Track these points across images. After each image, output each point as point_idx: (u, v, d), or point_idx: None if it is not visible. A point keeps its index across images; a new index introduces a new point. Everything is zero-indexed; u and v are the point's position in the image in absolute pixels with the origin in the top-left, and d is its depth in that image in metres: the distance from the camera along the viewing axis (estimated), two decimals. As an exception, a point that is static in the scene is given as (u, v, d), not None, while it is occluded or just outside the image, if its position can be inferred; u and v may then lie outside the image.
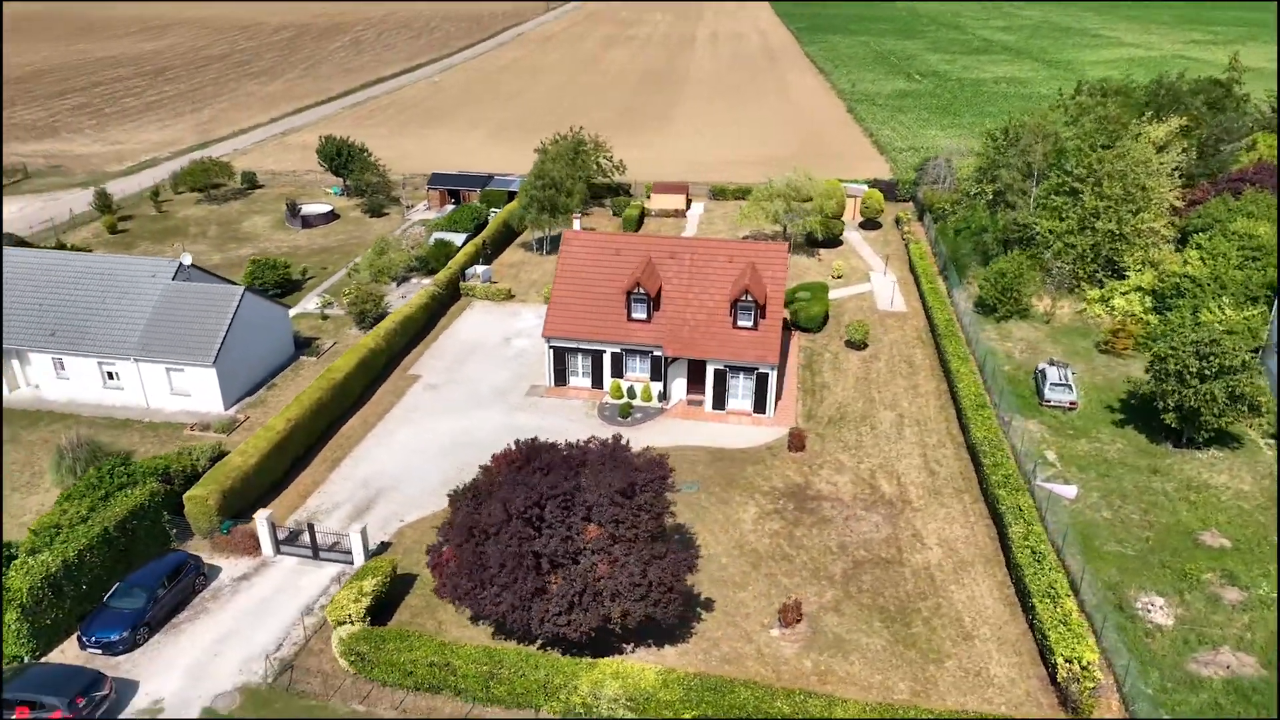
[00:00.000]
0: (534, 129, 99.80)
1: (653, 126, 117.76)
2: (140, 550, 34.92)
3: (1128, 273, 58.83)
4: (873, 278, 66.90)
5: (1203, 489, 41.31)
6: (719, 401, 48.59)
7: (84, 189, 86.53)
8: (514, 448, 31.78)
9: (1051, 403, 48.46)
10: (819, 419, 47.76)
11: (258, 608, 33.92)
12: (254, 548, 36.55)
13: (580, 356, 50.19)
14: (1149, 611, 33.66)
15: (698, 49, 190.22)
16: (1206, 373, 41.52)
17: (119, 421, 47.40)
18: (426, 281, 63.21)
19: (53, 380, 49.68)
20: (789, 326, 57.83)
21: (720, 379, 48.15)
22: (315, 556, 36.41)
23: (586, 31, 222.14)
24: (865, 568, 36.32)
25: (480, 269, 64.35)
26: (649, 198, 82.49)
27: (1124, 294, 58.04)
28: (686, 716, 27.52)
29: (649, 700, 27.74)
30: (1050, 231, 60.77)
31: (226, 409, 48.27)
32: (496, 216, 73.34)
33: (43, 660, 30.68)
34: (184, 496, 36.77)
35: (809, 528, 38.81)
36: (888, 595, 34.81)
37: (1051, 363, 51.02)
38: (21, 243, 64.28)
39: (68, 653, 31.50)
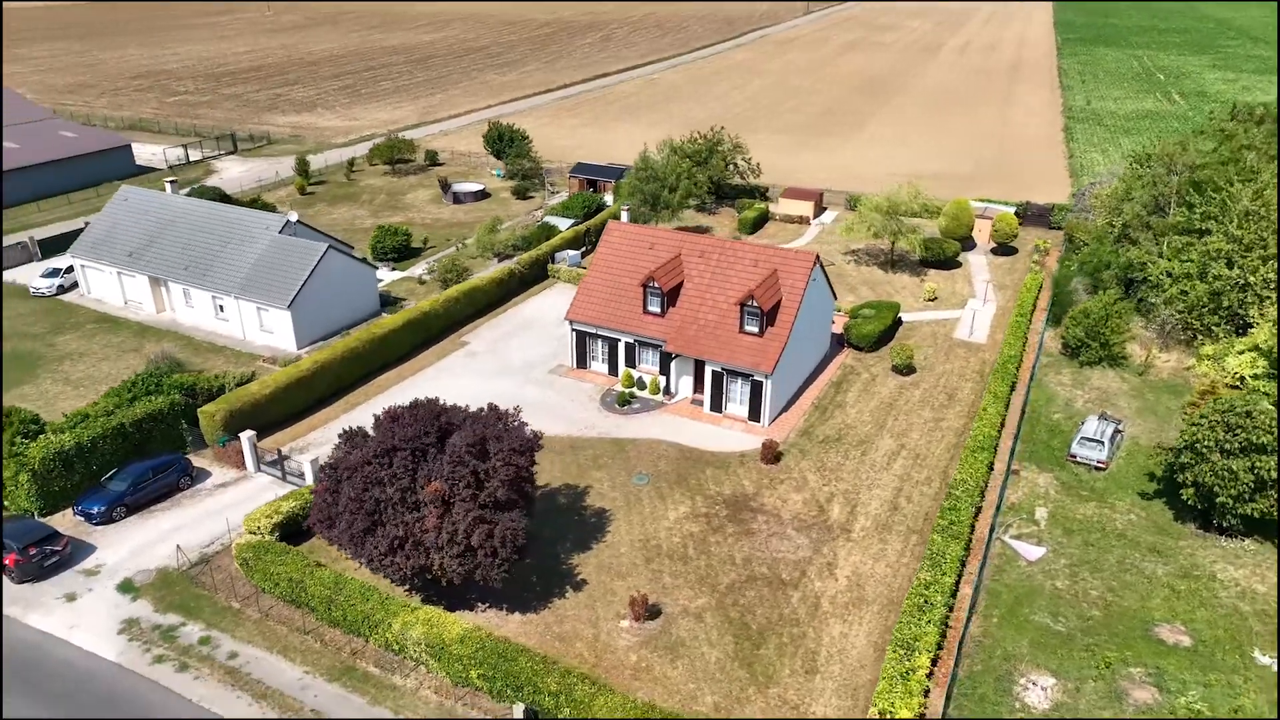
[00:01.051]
0: (708, 128, 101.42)
1: (841, 133, 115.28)
2: (155, 447, 42.01)
3: (1253, 328, 50.54)
4: (969, 305, 62.32)
5: (1200, 579, 35.61)
6: (716, 404, 48.49)
7: (309, 156, 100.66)
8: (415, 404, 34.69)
9: (1078, 458, 43.44)
10: (814, 436, 46.25)
11: (218, 510, 39.70)
12: (241, 463, 42.56)
13: (600, 342, 52.09)
14: (1026, 690, 30.14)
15: (939, 58, 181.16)
16: (1228, 446, 35.59)
17: (218, 347, 56.16)
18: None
19: (183, 307, 59.69)
20: (843, 343, 55.90)
21: (718, 381, 48.06)
22: (284, 478, 41.74)
23: (832, 35, 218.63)
24: (755, 584, 35.44)
25: (570, 254, 67.81)
26: (777, 202, 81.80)
27: (1240, 353, 49.96)
28: (474, 673, 29.20)
29: (443, 650, 29.71)
30: (1166, 274, 53.52)
31: (298, 349, 55.48)
32: (610, 208, 76.37)
33: (32, 518, 38.04)
34: (198, 410, 43.55)
35: (727, 536, 38.32)
36: (759, 614, 33.86)
37: (1103, 416, 45.54)
38: (210, 192, 76.84)
39: (67, 517, 38.99)
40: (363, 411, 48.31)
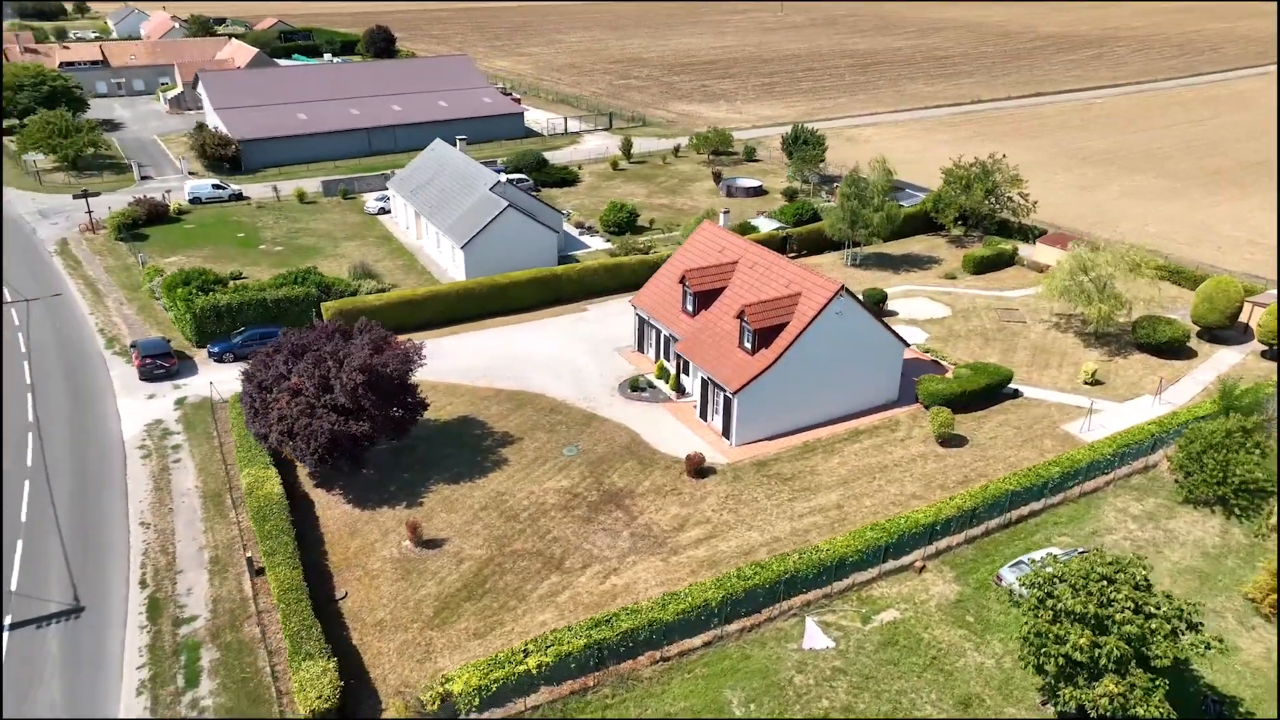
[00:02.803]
0: (1094, 162, 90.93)
1: (1226, 184, 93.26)
2: (285, 321, 56.35)
3: None
4: (1134, 402, 50.37)
5: (964, 746, 28.47)
6: (704, 411, 48.34)
7: (657, 140, 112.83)
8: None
9: (1003, 582, 35.53)
10: (768, 469, 44.08)
11: (285, 376, 52.50)
12: (328, 349, 55.10)
13: (652, 330, 54.48)
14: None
15: None
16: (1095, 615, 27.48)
17: (423, 270, 70.08)
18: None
19: (427, 236, 75.04)
20: (920, 401, 50.18)
21: (704, 389, 47.87)
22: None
23: None
24: (535, 558, 37.28)
25: (749, 255, 68.93)
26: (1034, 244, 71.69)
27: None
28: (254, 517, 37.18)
29: (251, 495, 38.00)
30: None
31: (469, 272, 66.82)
32: (820, 223, 74.23)
33: (165, 341, 53.48)
34: (320, 305, 57.00)
35: (568, 516, 40.07)
36: (505, 580, 36.01)
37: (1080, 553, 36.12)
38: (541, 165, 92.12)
39: (203, 351, 55.06)
40: (451, 339, 57.76)
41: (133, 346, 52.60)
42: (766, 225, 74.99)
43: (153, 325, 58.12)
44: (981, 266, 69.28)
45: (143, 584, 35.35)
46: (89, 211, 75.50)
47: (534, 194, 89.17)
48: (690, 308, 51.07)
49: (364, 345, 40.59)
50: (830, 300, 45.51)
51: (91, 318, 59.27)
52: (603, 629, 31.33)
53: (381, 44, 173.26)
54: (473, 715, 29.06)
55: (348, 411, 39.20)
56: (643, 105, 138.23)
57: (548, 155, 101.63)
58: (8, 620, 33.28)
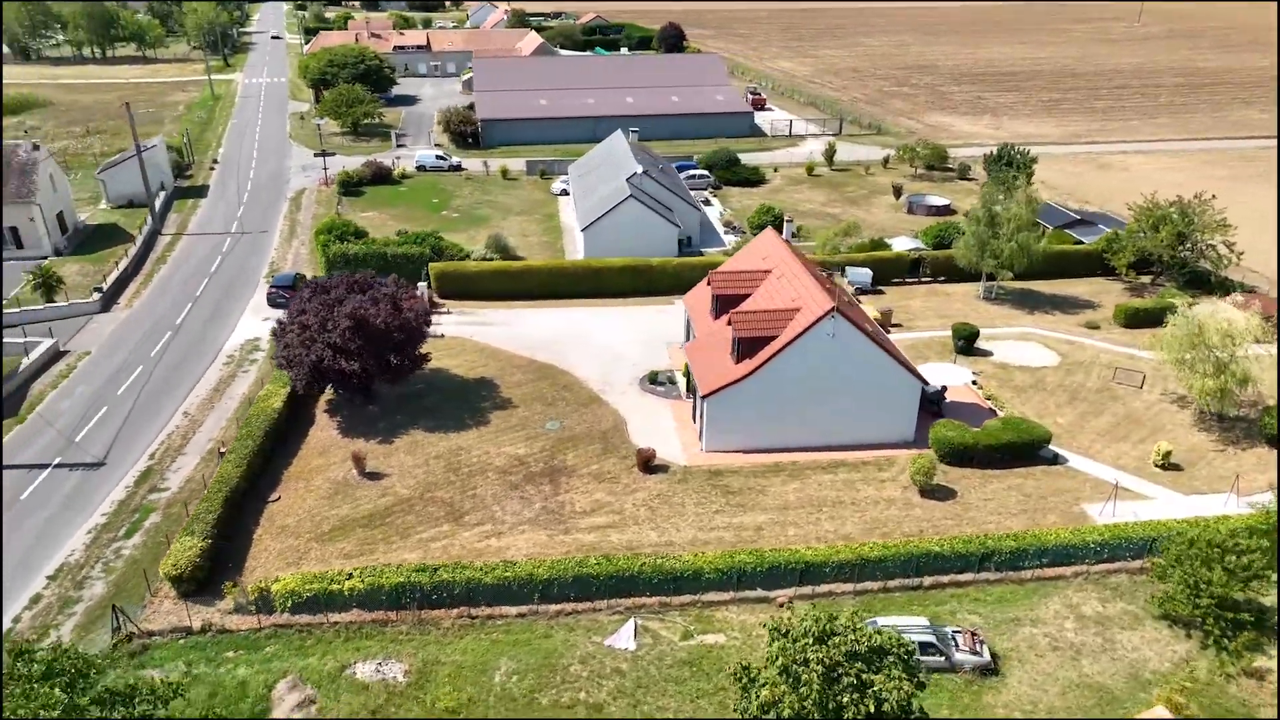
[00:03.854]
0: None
1: None
2: (402, 275, 64.32)
3: None
4: (1204, 499, 41.99)
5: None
6: (694, 412, 48.25)
7: (876, 149, 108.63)
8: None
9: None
10: (718, 481, 43.44)
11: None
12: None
13: (690, 329, 54.80)
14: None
15: None
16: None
17: (561, 248, 75.33)
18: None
19: (574, 218, 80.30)
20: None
21: (693, 390, 47.77)
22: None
23: None
24: (445, 506, 40.70)
25: (862, 272, 65.75)
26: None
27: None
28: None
29: (254, 402, 45.47)
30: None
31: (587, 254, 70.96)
32: (952, 250, 67.86)
33: (301, 276, 63.50)
34: (429, 265, 64.19)
35: (504, 477, 42.86)
36: (407, 519, 39.86)
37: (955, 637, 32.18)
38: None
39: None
40: (530, 311, 62.25)
41: (268, 278, 63.51)
42: (902, 244, 70.52)
43: (311, 264, 69.24)
44: (1135, 320, 59.86)
45: (150, 456, 44.22)
46: (325, 169, 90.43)
47: (714, 190, 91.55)
48: (714, 310, 50.94)
49: (369, 298, 46.32)
50: (820, 319, 43.42)
51: (274, 252, 72.06)
52: (421, 574, 34.11)
53: (672, 40, 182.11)
54: (284, 615, 33.46)
55: (339, 350, 45.20)
56: (897, 113, 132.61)
57: (756, 155, 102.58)
58: (56, 460, 43.60)
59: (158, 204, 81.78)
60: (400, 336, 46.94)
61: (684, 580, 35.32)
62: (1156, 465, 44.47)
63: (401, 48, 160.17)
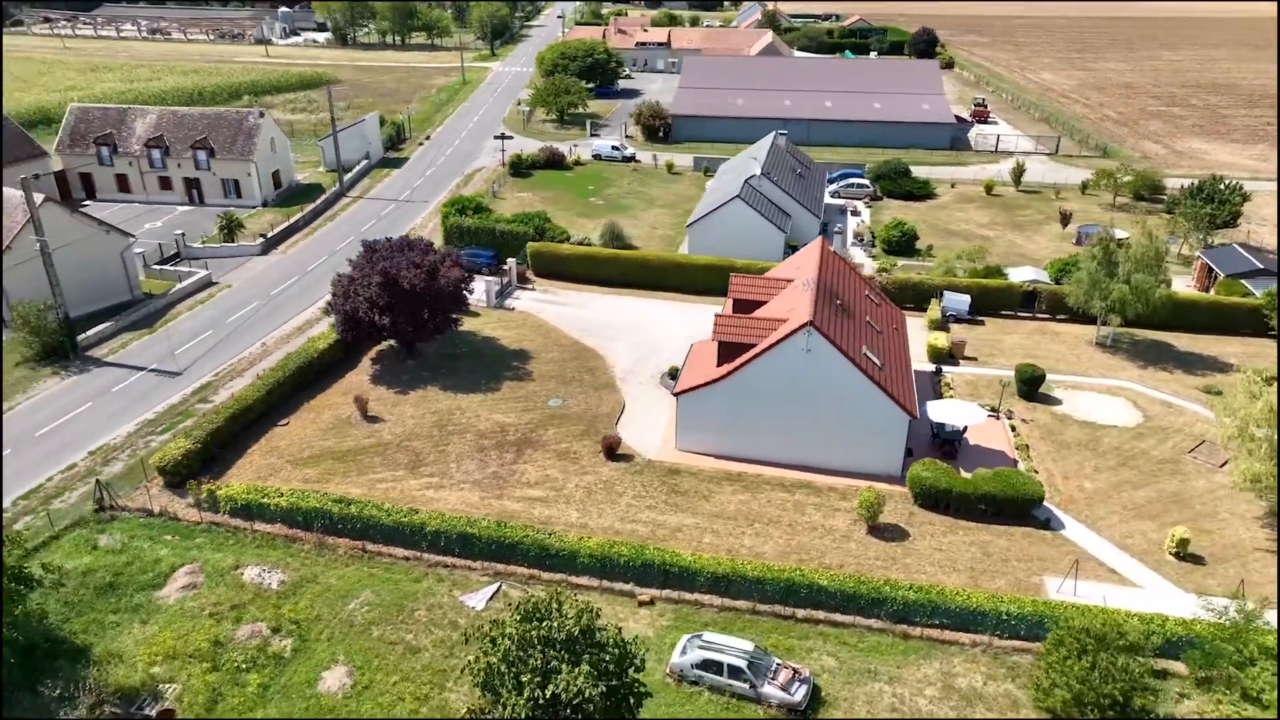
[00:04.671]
0: None
1: None
2: (507, 250, 69.40)
3: None
4: (1203, 599, 35.49)
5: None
6: (684, 411, 48.29)
7: (1082, 171, 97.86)
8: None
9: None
10: (676, 473, 43.64)
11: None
12: (517, 277, 66.67)
13: (727, 331, 54.36)
14: (261, 568, 35.58)
15: None
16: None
17: (677, 242, 76.80)
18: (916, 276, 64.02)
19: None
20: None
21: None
22: (504, 292, 64.66)
23: None
24: (411, 455, 44.59)
25: (959, 298, 60.83)
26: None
27: None
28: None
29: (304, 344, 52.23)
30: None
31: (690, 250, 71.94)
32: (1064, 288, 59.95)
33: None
34: (527, 244, 68.48)
35: (478, 440, 46.04)
36: (373, 460, 44.23)
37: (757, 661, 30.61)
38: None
39: (450, 259, 70.86)
40: (606, 297, 64.56)
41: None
42: (1023, 274, 63.93)
43: (438, 234, 76.19)
44: (1267, 390, 50.35)
45: (215, 374, 52.35)
46: (502, 150, 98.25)
47: (871, 201, 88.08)
48: (734, 312, 50.31)
49: (406, 261, 51.17)
50: (794, 332, 41.94)
51: (419, 220, 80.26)
52: (334, 504, 38.19)
53: (923, 45, 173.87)
54: (223, 516, 39.03)
55: (373, 304, 50.55)
56: (1145, 135, 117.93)
57: (943, 170, 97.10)
58: (154, 365, 53.06)
59: (357, 170, 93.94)
60: (431, 300, 51.43)
61: (560, 559, 36.37)
62: (1171, 553, 38.02)
63: (643, 44, 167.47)
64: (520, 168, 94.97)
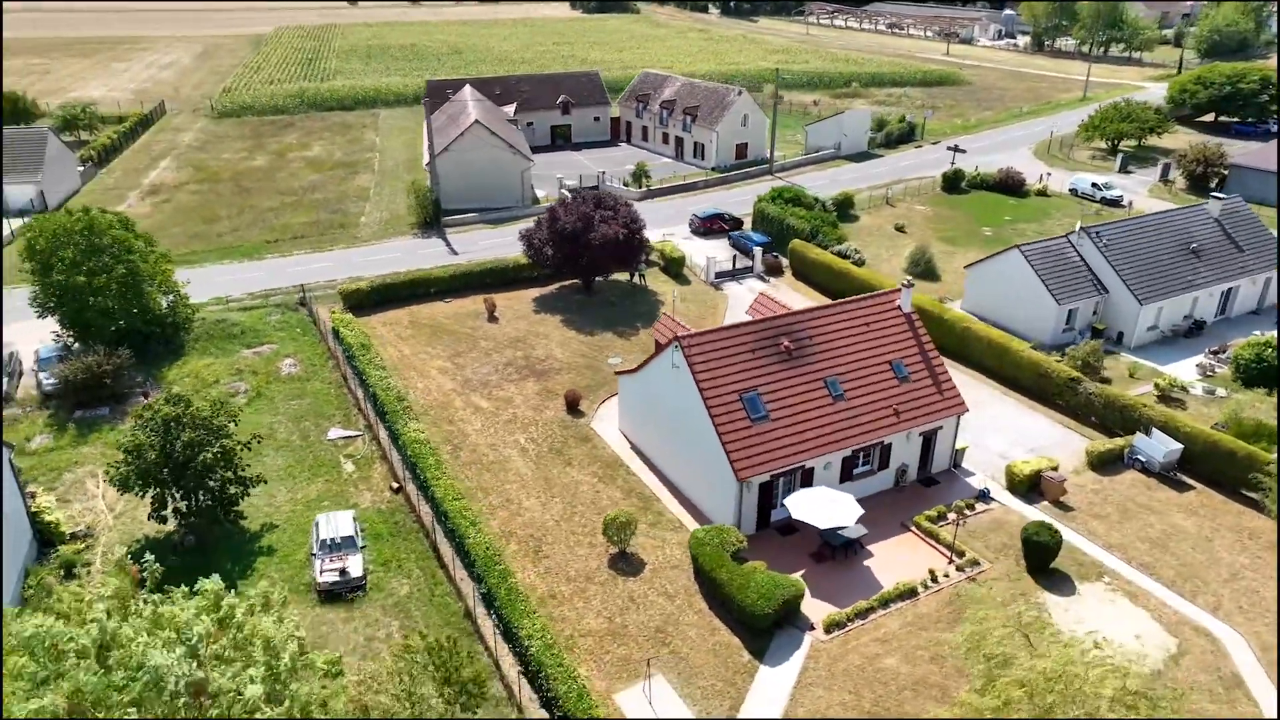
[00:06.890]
0: None
1: None
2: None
3: None
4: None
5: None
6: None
7: None
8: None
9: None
10: (591, 443, 46.10)
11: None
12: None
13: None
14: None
15: None
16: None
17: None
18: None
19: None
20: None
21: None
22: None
23: None
24: (454, 347, 55.44)
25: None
26: None
27: None
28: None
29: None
30: None
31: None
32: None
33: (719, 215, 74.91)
34: (792, 241, 68.51)
35: (515, 355, 54.37)
36: (423, 347, 56.48)
37: None
38: None
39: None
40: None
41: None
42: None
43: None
44: None
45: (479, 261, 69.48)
46: (952, 161, 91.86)
47: None
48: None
49: (601, 217, 59.86)
50: (668, 344, 40.47)
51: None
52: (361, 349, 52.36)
53: None
54: (337, 343, 56.59)
55: (545, 240, 61.18)
56: None
57: None
58: (465, 247, 73.01)
59: (805, 157, 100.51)
60: (584, 247, 59.62)
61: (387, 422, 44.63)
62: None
63: None
64: (956, 183, 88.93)
